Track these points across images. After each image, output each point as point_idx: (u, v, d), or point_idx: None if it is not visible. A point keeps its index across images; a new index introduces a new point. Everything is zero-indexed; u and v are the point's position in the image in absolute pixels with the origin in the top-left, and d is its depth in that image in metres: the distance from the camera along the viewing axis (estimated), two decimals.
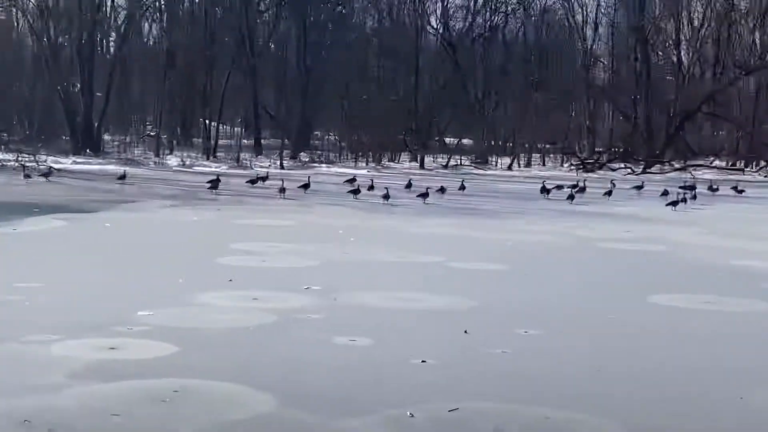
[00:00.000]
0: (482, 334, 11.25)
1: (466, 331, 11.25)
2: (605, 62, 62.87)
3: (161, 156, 47.19)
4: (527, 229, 22.79)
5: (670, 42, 59.56)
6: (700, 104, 55.73)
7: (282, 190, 29.49)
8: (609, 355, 10.48)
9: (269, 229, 21.52)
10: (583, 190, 32.99)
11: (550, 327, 11.75)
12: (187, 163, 45.54)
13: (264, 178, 33.52)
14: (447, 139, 60.50)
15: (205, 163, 46.10)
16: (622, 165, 51.85)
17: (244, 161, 46.24)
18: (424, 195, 29.23)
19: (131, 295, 12.95)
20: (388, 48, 57.23)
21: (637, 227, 23.81)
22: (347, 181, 33.27)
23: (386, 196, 28.26)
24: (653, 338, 11.47)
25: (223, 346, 10.34)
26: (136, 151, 49.34)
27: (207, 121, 51.78)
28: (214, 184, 30.39)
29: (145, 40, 61.66)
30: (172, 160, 46.08)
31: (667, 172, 50.32)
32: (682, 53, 59.49)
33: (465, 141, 56.78)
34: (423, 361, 9.84)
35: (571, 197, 30.54)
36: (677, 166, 52.66)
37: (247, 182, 33.23)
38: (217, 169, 41.72)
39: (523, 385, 9.22)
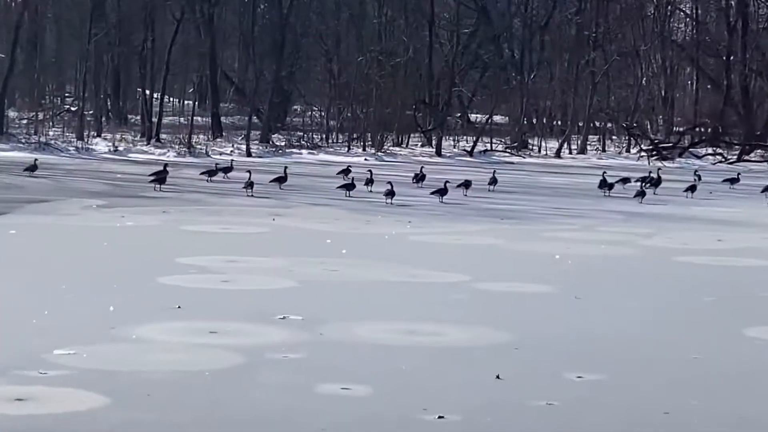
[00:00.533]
0: (520, 380, 11.23)
1: (498, 376, 11.25)
2: (687, 10, 63.01)
3: (86, 139, 47.27)
4: (581, 237, 22.81)
5: None
6: None
7: (249, 185, 29.57)
8: (693, 409, 10.48)
9: (232, 237, 21.54)
10: (657, 183, 33.05)
11: (612, 371, 11.74)
12: (121, 148, 45.64)
13: (227, 170, 33.61)
14: (472, 116, 60.61)
15: (145, 148, 46.23)
16: (710, 150, 51.94)
17: (197, 146, 46.35)
18: (442, 192, 29.30)
19: (45, 327, 12.91)
20: None
21: (730, 235, 23.82)
22: (341, 172, 33.37)
23: (390, 193, 28.33)
24: (754, 386, 11.44)
25: (169, 397, 10.34)
26: (51, 133, 49.43)
27: (147, 93, 51.85)
28: (160, 177, 30.47)
29: None
30: (100, 145, 46.19)
31: None
32: None
33: (497, 119, 56.87)
34: (440, 417, 9.85)
35: (641, 194, 30.61)
36: None
37: (203, 174, 33.31)
38: (162, 158, 41.83)
39: None
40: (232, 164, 34.70)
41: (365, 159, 45.02)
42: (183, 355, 11.91)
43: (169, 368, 11.37)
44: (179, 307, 14.31)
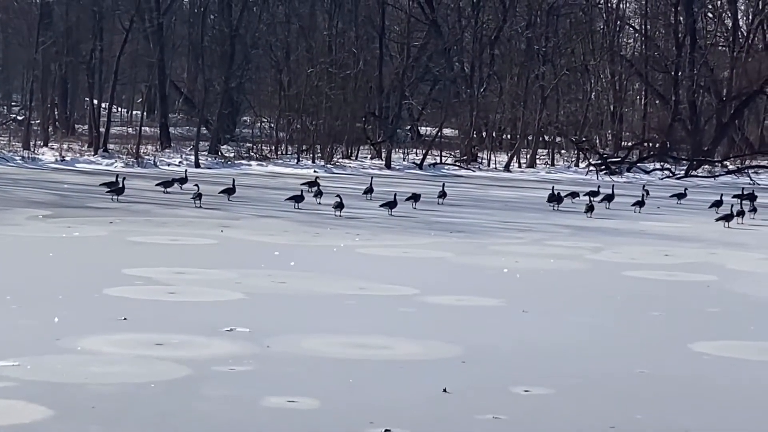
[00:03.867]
0: (468, 394, 11.28)
1: (445, 390, 11.28)
2: (636, 26, 63.55)
3: (32, 149, 46.92)
4: (529, 251, 22.92)
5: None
6: (762, 84, 56.45)
7: (197, 196, 29.47)
8: (639, 422, 10.55)
9: (180, 249, 21.47)
10: (608, 198, 33.24)
11: (559, 384, 11.80)
12: (68, 158, 45.34)
13: (182, 180, 33.42)
14: (422, 129, 60.72)
15: (92, 158, 45.94)
16: (658, 165, 52.35)
17: (146, 157, 46.14)
18: (391, 204, 29.33)
19: None
20: (342, 2, 57.42)
21: (676, 250, 24.02)
22: (306, 183, 32.93)
23: (339, 206, 28.33)
24: (700, 400, 11.55)
25: (113, 410, 10.28)
26: None
27: (95, 102, 51.55)
28: (116, 188, 30.31)
29: None
30: (47, 155, 45.86)
31: (718, 175, 50.89)
32: (739, 15, 60.24)
33: (447, 132, 57.05)
34: (386, 431, 9.86)
35: (589, 209, 30.75)
36: (732, 167, 53.27)
37: (158, 185, 33.10)
38: (110, 168, 41.59)
39: None
40: (186, 175, 34.53)
41: (314, 171, 44.97)
42: (129, 367, 11.85)
43: (115, 380, 11.31)
44: (125, 318, 14.26)
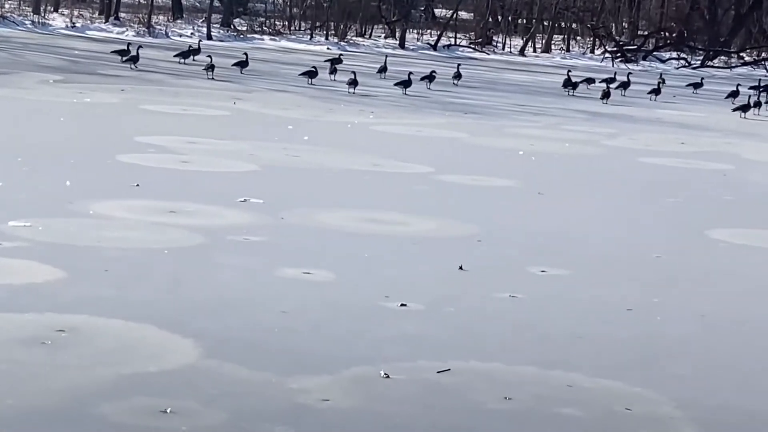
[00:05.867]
0: (483, 272, 11.19)
1: (461, 267, 11.19)
2: None
3: (42, 13, 46.48)
4: (545, 135, 22.74)
5: None
6: None
7: (210, 67, 29.19)
8: (653, 307, 10.47)
9: (192, 119, 21.31)
10: (623, 85, 32.92)
11: (575, 265, 11.72)
12: (78, 25, 44.92)
13: (195, 52, 33.02)
14: (437, 11, 60.06)
15: (103, 26, 45.51)
16: (675, 55, 51.85)
17: (157, 27, 45.69)
18: (405, 83, 29.03)
19: (0, 199, 12.74)
20: None
21: (692, 138, 23.85)
22: (329, 61, 32.32)
23: (353, 83, 28.05)
24: (716, 286, 11.47)
25: (126, 273, 10.21)
26: (6, 6, 48.52)
27: None
28: (131, 56, 29.97)
29: None
30: (57, 21, 45.46)
31: (734, 67, 50.44)
32: None
33: (462, 14, 56.38)
34: (402, 305, 9.78)
35: (605, 95, 30.51)
36: (748, 58, 52.76)
37: (176, 56, 32.74)
38: (121, 36, 41.20)
39: (538, 341, 9.19)
40: (200, 46, 34.11)
41: (327, 48, 44.55)
42: (142, 233, 11.76)
43: (128, 245, 11.23)
44: (138, 185, 14.15)
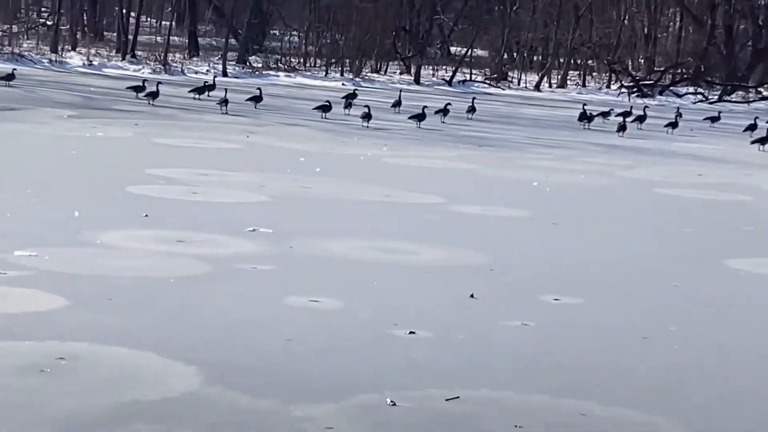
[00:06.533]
0: (494, 300, 11.00)
1: (472, 295, 11.02)
2: None
3: (60, 52, 46.71)
4: (559, 167, 22.57)
5: None
6: None
7: (224, 102, 29.18)
8: (669, 336, 10.26)
9: (204, 152, 21.24)
10: (640, 119, 32.76)
11: (588, 294, 11.52)
12: (95, 63, 45.13)
13: (210, 87, 33.00)
14: (452, 48, 60.13)
15: (120, 64, 45.69)
16: (692, 89, 51.71)
17: (173, 64, 45.83)
18: (420, 117, 28.96)
19: (7, 229, 12.67)
20: None
21: (710, 170, 23.65)
22: (345, 97, 32.28)
23: (367, 116, 27.98)
24: (730, 317, 11.24)
25: (130, 302, 10.07)
26: (25, 45, 48.80)
27: (124, 11, 51.19)
28: (150, 92, 30.06)
29: None
30: (75, 59, 45.68)
31: (752, 101, 50.22)
32: None
33: (477, 52, 56.43)
34: (411, 333, 9.61)
35: (621, 128, 30.35)
36: (766, 93, 52.57)
37: (191, 92, 32.75)
38: (137, 74, 41.31)
39: (550, 369, 9.00)
40: (215, 82, 34.12)
41: (342, 84, 44.57)
42: (148, 262, 11.63)
43: (134, 274, 11.10)
44: (146, 215, 14.04)
